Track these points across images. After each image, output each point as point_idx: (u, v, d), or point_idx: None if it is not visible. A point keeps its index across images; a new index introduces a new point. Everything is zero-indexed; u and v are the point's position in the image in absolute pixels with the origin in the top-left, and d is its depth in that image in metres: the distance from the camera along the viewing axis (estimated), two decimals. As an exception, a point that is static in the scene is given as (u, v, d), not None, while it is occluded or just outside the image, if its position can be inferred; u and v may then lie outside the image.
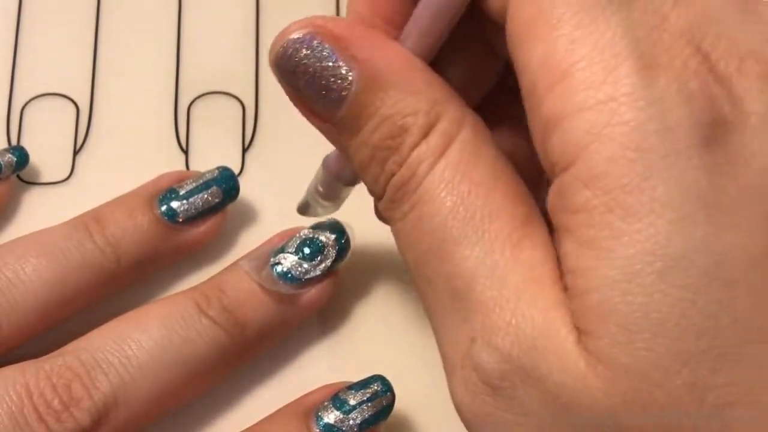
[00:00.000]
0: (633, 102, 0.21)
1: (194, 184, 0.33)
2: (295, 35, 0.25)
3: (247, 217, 0.35)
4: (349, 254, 0.32)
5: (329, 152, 0.29)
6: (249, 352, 0.32)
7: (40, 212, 0.35)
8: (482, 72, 0.27)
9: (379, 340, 0.33)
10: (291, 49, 0.25)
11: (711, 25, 0.21)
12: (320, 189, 0.30)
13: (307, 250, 0.32)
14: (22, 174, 0.36)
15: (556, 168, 0.22)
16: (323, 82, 0.24)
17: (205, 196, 0.33)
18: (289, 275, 0.31)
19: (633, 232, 0.20)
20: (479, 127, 0.24)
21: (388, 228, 0.32)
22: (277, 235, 0.33)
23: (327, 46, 0.24)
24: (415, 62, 0.25)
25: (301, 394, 0.31)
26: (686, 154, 0.20)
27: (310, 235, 0.32)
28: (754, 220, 0.20)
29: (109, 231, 0.32)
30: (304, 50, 0.24)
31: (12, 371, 0.29)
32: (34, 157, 0.36)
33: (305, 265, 0.31)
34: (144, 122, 0.37)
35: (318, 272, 0.31)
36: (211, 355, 0.30)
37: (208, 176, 0.33)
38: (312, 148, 0.36)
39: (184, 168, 0.36)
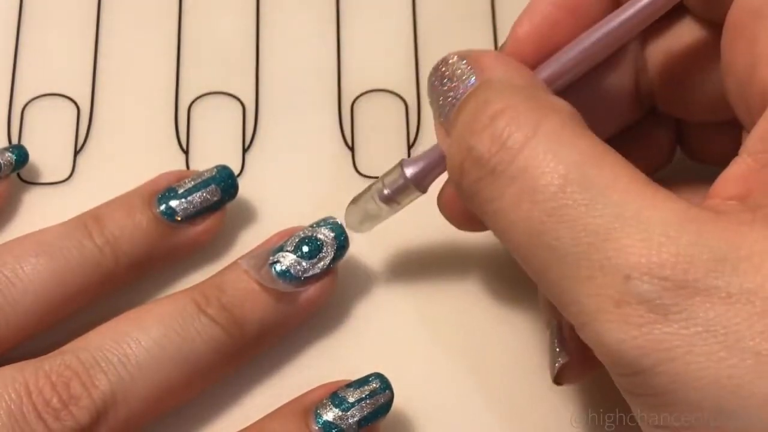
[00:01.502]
0: None
1: (193, 183, 0.33)
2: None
3: (247, 217, 0.35)
4: (347, 252, 0.32)
5: (411, 156, 0.30)
6: (248, 350, 0.32)
7: (41, 212, 0.35)
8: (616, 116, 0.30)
9: (377, 338, 0.33)
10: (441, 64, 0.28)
11: None
12: (386, 192, 0.31)
13: (305, 249, 0.32)
14: (23, 174, 0.36)
15: None
16: (453, 85, 0.27)
17: (204, 194, 0.33)
18: (288, 274, 0.31)
19: None
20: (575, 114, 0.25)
21: (386, 226, 0.32)
22: (276, 234, 0.33)
23: (465, 63, 0.27)
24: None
25: (300, 392, 0.31)
26: None
27: (309, 234, 0.32)
28: None
29: (108, 230, 0.32)
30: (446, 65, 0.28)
31: (11, 370, 0.29)
32: (34, 157, 0.36)
33: (304, 264, 0.31)
34: (144, 122, 0.37)
35: (317, 270, 0.31)
36: (210, 353, 0.30)
37: (207, 175, 0.33)
38: (312, 149, 0.37)
39: (184, 168, 0.36)
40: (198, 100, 0.38)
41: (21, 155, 0.35)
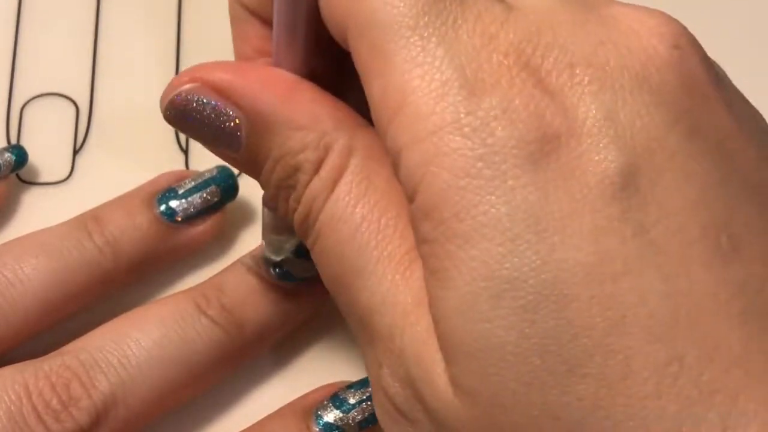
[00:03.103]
0: (458, 129, 0.21)
1: (193, 183, 0.33)
2: (180, 89, 0.26)
3: (247, 217, 0.35)
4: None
5: None
6: (248, 351, 0.32)
7: (40, 212, 0.35)
8: None
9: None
10: (179, 103, 0.26)
11: (542, 36, 0.22)
12: (269, 224, 0.30)
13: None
14: (22, 174, 0.36)
15: (407, 199, 0.22)
16: (214, 130, 0.25)
17: (204, 195, 0.33)
18: (290, 276, 0.31)
19: (469, 260, 0.21)
20: (371, 147, 0.24)
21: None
22: (277, 234, 0.33)
23: (210, 98, 0.25)
24: (299, 89, 0.25)
25: (301, 393, 0.31)
26: (513, 174, 0.21)
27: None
28: (587, 231, 0.20)
29: (108, 230, 0.32)
30: (191, 104, 0.25)
31: (11, 371, 0.29)
32: (33, 157, 0.36)
33: (305, 265, 0.31)
34: (144, 122, 0.37)
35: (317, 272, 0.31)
36: (210, 354, 0.30)
37: (207, 175, 0.33)
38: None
39: (184, 168, 0.36)
40: (197, 100, 0.38)
41: (20, 155, 0.35)
